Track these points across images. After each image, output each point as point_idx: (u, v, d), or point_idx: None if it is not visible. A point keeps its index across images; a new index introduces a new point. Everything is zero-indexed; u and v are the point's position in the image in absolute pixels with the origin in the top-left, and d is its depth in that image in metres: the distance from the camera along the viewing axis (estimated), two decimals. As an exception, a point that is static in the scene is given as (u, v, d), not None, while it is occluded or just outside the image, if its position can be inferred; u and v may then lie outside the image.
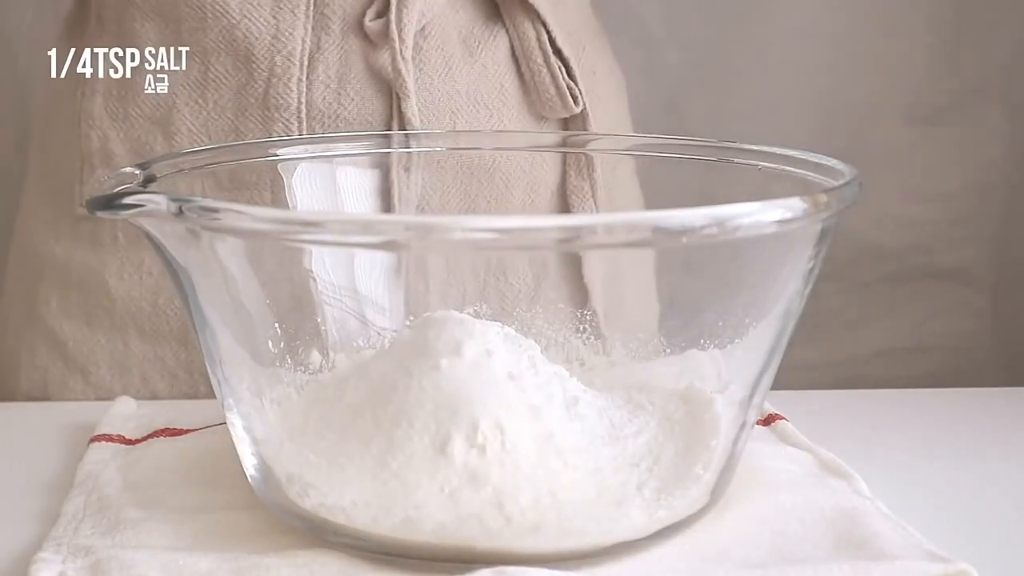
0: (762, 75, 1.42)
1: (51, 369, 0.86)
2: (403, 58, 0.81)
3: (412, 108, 0.81)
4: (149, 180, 0.61)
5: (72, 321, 0.85)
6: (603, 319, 0.74)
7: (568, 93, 0.85)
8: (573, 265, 0.80)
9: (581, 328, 0.72)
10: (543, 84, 0.85)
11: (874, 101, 1.44)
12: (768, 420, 0.73)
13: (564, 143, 0.86)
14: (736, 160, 0.70)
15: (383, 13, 0.82)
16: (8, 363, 0.88)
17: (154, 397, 0.84)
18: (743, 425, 0.61)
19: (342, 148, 0.76)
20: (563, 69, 0.85)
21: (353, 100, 0.82)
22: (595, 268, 0.79)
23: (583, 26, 0.91)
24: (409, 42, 0.81)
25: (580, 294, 0.79)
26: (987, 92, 1.44)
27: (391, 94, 0.82)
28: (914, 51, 1.43)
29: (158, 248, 0.58)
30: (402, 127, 0.81)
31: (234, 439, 0.61)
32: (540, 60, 0.85)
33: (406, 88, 0.81)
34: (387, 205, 0.79)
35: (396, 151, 0.79)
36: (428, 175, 0.81)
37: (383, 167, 0.79)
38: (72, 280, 0.86)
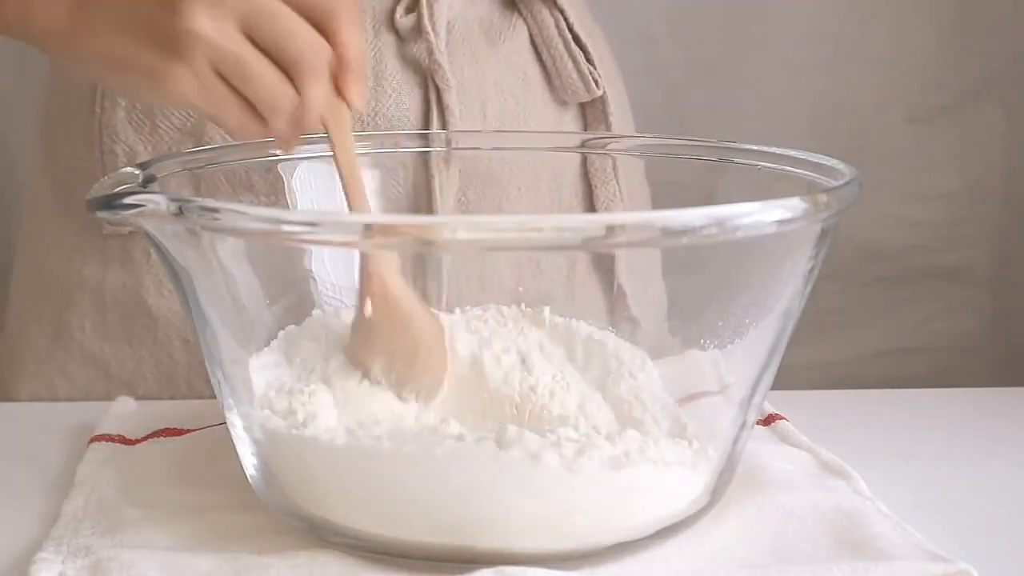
0: (762, 75, 1.43)
1: (94, 389, 0.85)
2: (440, 51, 0.82)
3: (454, 98, 0.82)
4: (149, 180, 0.61)
5: (111, 342, 0.84)
6: (636, 311, 0.74)
7: (590, 76, 0.86)
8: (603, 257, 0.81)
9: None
10: (565, 70, 0.86)
11: (874, 101, 1.44)
12: (768, 420, 0.73)
13: (581, 145, 0.87)
14: (736, 160, 0.70)
15: (413, 8, 0.83)
16: (40, 387, 0.86)
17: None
18: (743, 425, 0.61)
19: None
20: (583, 54, 0.86)
21: (390, 96, 0.82)
22: (622, 263, 0.80)
23: (585, 14, 0.92)
24: (443, 35, 0.82)
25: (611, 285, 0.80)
26: (987, 92, 1.45)
27: (426, 86, 0.83)
28: (914, 51, 1.43)
29: (158, 248, 0.58)
30: (442, 118, 0.82)
31: (234, 439, 0.61)
32: (561, 46, 0.86)
33: (448, 79, 0.82)
34: (428, 196, 0.80)
35: (434, 148, 0.80)
36: (464, 164, 0.81)
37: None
38: (107, 301, 0.84)
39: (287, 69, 0.59)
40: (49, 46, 0.66)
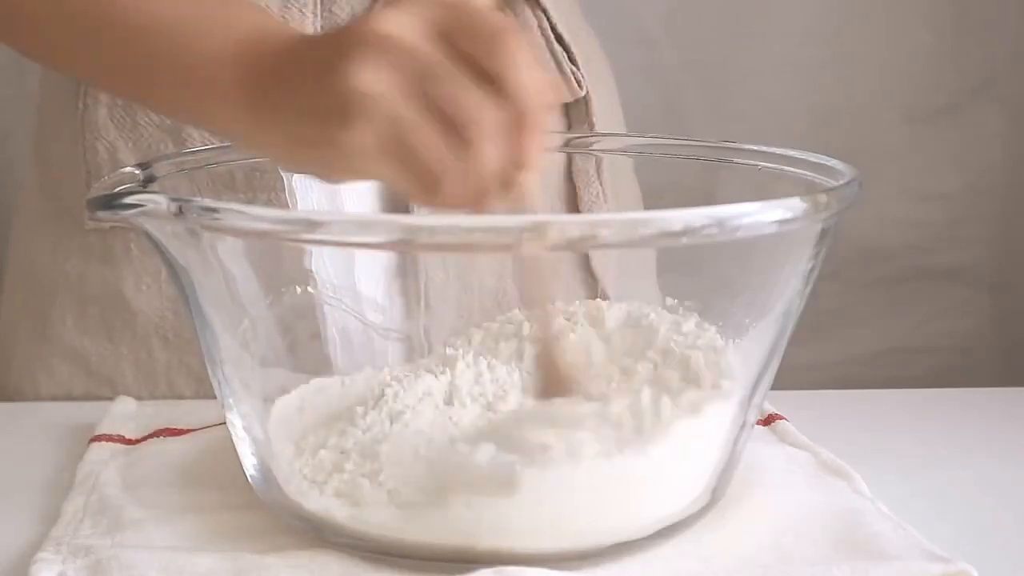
0: (762, 75, 1.43)
1: (75, 385, 0.85)
2: None
3: None
4: (149, 180, 0.61)
5: (92, 337, 0.84)
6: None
7: (572, 77, 0.86)
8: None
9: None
10: (548, 70, 0.86)
11: (874, 101, 1.44)
12: (768, 420, 0.73)
13: (567, 144, 0.86)
14: (736, 160, 0.70)
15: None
16: (25, 383, 0.86)
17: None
18: (743, 425, 0.61)
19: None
20: (565, 54, 0.86)
21: None
22: (605, 263, 0.80)
23: (572, 14, 0.92)
24: None
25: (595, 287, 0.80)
26: (987, 92, 1.45)
27: None
28: (913, 51, 1.43)
29: (158, 248, 0.58)
30: None
31: (234, 439, 0.61)
32: (544, 46, 0.86)
33: None
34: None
35: None
36: None
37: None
38: (88, 296, 0.84)
39: (460, 132, 0.53)
40: (228, 139, 0.67)
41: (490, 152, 0.53)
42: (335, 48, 0.54)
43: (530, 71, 0.53)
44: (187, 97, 0.63)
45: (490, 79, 0.53)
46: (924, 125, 1.44)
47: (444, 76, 0.53)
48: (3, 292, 0.92)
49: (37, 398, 0.85)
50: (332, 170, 0.58)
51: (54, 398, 0.85)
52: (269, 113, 0.58)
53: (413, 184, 0.54)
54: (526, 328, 0.67)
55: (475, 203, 0.54)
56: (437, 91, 0.52)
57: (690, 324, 0.64)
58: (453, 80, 0.53)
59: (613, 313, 0.67)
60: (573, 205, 0.86)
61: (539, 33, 0.86)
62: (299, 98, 0.56)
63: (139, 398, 0.81)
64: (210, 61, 0.61)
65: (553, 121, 0.88)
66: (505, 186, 0.54)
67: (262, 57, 0.59)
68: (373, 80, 0.52)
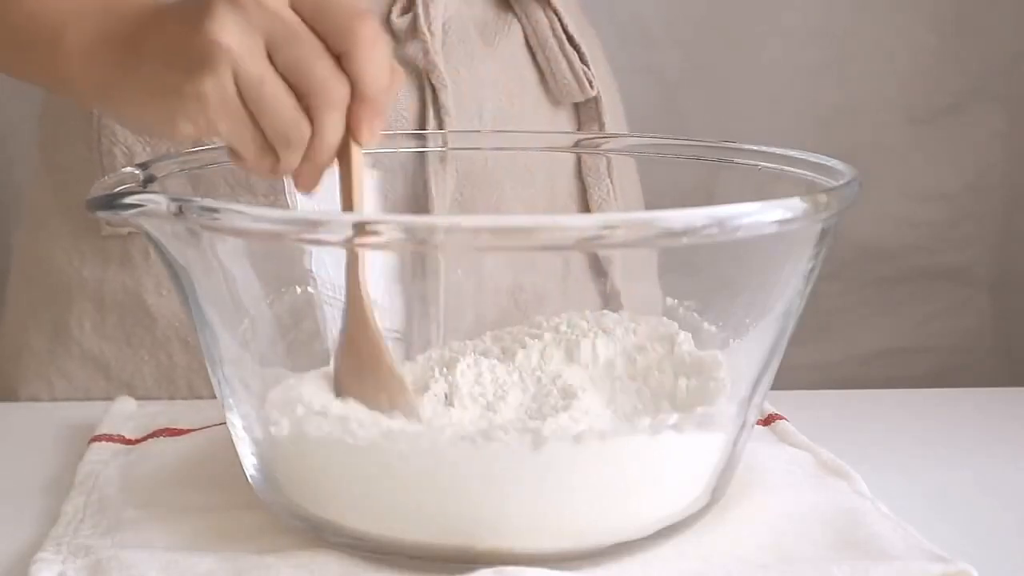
0: (762, 75, 1.43)
1: (94, 389, 0.85)
2: (436, 51, 0.82)
3: (450, 98, 0.82)
4: (149, 180, 0.61)
5: (111, 342, 0.84)
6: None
7: (584, 77, 0.86)
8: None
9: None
10: (560, 70, 0.86)
11: (874, 101, 1.44)
12: (768, 420, 0.73)
13: (577, 144, 0.87)
14: (736, 160, 0.70)
15: (408, 9, 0.83)
16: (40, 388, 0.86)
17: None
18: (743, 425, 0.61)
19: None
20: (576, 54, 0.86)
21: None
22: (617, 263, 0.80)
23: (578, 15, 0.92)
24: (439, 36, 0.83)
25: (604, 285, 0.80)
26: (987, 92, 1.45)
27: (422, 87, 0.83)
28: (914, 51, 1.43)
29: (158, 248, 0.58)
30: (438, 118, 0.82)
31: (234, 439, 0.61)
32: (556, 47, 0.86)
33: (443, 79, 0.82)
34: (425, 195, 0.80)
35: (431, 148, 0.81)
36: (460, 164, 0.81)
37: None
38: (106, 301, 0.84)
39: (304, 99, 0.57)
40: (85, 101, 0.69)
41: (331, 123, 0.57)
42: (201, 5, 0.57)
43: (378, 54, 0.57)
44: (35, 58, 0.67)
45: (336, 57, 0.57)
46: (925, 125, 1.44)
47: (300, 42, 0.56)
48: (9, 293, 0.92)
49: (53, 401, 0.85)
50: (180, 120, 0.59)
51: (71, 401, 0.85)
52: (135, 62, 0.60)
53: (252, 145, 0.58)
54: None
55: (310, 173, 0.59)
56: (292, 54, 0.56)
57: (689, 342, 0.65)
58: (308, 47, 0.56)
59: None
60: (583, 203, 0.86)
61: (551, 33, 0.86)
62: (164, 49, 0.59)
63: (159, 399, 0.81)
64: (57, 21, 0.65)
65: (563, 120, 0.88)
66: (338, 157, 0.59)
67: (119, 15, 0.63)
68: (233, 34, 0.56)
